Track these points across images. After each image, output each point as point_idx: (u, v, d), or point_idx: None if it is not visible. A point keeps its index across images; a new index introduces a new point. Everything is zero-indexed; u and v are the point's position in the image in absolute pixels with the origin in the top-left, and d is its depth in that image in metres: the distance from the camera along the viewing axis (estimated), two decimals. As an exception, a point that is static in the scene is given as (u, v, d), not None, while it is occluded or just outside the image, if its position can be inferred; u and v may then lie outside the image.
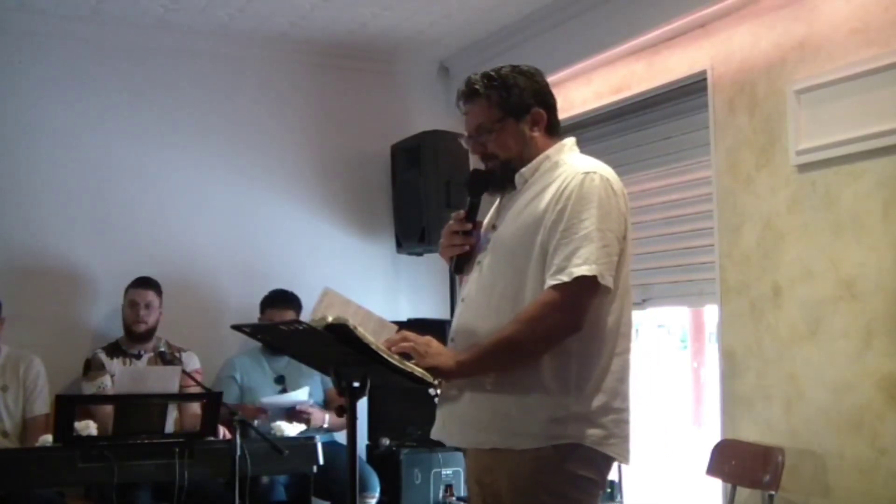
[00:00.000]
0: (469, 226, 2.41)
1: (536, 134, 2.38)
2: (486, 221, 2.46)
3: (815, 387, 3.43)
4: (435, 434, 2.43)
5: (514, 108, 2.36)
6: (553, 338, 2.19)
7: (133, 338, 4.49)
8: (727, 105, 3.84)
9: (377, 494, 4.45)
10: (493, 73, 2.38)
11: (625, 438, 2.27)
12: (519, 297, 2.24)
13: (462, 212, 2.43)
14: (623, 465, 2.33)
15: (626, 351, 2.30)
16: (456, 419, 2.34)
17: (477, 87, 2.37)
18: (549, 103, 2.42)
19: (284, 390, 4.58)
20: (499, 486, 2.24)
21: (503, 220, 2.37)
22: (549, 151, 2.37)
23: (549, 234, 2.22)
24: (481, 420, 2.27)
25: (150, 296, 4.51)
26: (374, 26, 4.93)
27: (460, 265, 2.44)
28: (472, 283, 2.38)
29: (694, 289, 4.15)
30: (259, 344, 4.67)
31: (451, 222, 2.44)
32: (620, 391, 2.27)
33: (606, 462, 2.26)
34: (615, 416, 2.24)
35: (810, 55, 3.48)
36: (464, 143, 2.45)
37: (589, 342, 2.22)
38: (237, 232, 5.09)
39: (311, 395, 4.58)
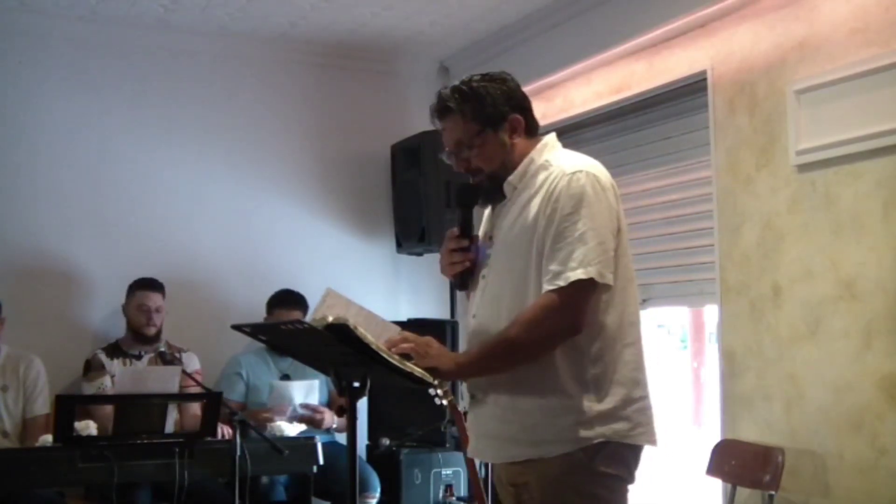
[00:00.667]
0: (466, 242, 2.39)
1: (517, 139, 2.35)
2: (481, 233, 2.44)
3: (815, 387, 3.43)
4: (470, 452, 2.46)
5: (490, 118, 2.33)
6: (551, 340, 2.19)
7: (141, 340, 4.49)
8: (727, 105, 3.84)
9: (377, 494, 4.45)
10: (463, 87, 2.35)
11: (650, 424, 2.28)
12: (525, 303, 2.23)
13: (456, 229, 2.42)
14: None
15: (637, 340, 2.30)
16: (487, 437, 2.34)
17: (449, 103, 2.35)
18: (523, 106, 2.39)
19: None
20: (531, 487, 2.24)
21: (499, 230, 2.35)
22: (533, 154, 2.35)
23: (543, 239, 2.21)
24: (510, 434, 2.27)
25: (159, 299, 4.52)
26: (374, 26, 4.93)
27: (464, 281, 2.42)
28: (479, 298, 2.36)
29: (694, 289, 4.15)
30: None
31: (447, 241, 2.42)
32: (639, 380, 2.28)
33: (634, 454, 2.26)
34: (637, 405, 2.25)
35: (810, 55, 3.48)
36: (445, 158, 2.43)
37: (599, 339, 2.22)
38: (237, 232, 5.09)
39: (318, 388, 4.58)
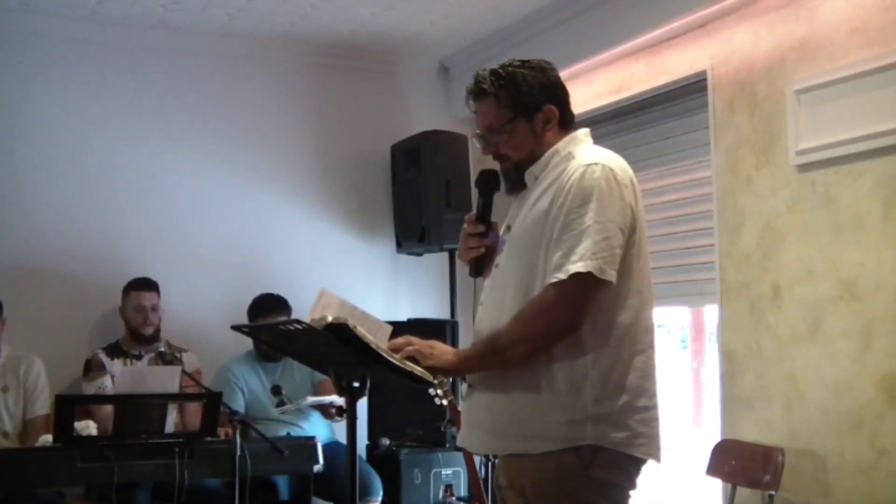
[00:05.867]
0: (482, 228, 2.37)
1: (549, 130, 2.32)
2: (504, 223, 2.41)
3: (815, 387, 3.43)
4: (459, 441, 2.43)
5: (525, 107, 2.29)
6: (550, 335, 2.15)
7: (141, 340, 4.48)
8: (727, 105, 3.84)
9: (379, 498, 4.43)
10: (501, 71, 2.31)
11: (654, 437, 2.21)
12: (529, 296, 2.19)
13: (473, 213, 2.40)
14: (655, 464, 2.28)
15: (649, 347, 2.24)
16: (477, 428, 2.31)
17: (485, 86, 2.30)
18: (560, 97, 2.35)
19: (283, 402, 4.53)
20: (525, 491, 2.21)
21: (516, 219, 2.32)
22: (559, 145, 2.31)
23: (552, 231, 2.18)
24: (499, 426, 2.24)
25: (155, 298, 4.52)
26: (374, 26, 4.93)
27: (479, 268, 2.40)
28: (489, 286, 2.34)
29: (694, 289, 4.14)
30: (251, 349, 4.65)
31: (465, 226, 2.40)
32: (646, 389, 2.20)
33: (635, 464, 2.20)
34: (641, 415, 2.18)
35: (810, 55, 3.48)
36: (475, 141, 2.41)
37: (605, 340, 2.17)
38: (237, 232, 5.09)
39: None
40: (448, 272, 5.14)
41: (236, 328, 2.31)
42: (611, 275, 2.13)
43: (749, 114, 3.74)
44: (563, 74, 4.52)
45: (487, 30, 4.99)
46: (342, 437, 4.67)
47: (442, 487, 4.61)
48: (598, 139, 4.52)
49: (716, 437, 3.84)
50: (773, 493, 3.41)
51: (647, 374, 2.22)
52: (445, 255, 5.13)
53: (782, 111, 3.56)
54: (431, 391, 3.27)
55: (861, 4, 3.30)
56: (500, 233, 2.39)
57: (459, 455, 4.44)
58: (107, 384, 4.32)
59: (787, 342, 3.55)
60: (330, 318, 2.04)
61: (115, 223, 4.83)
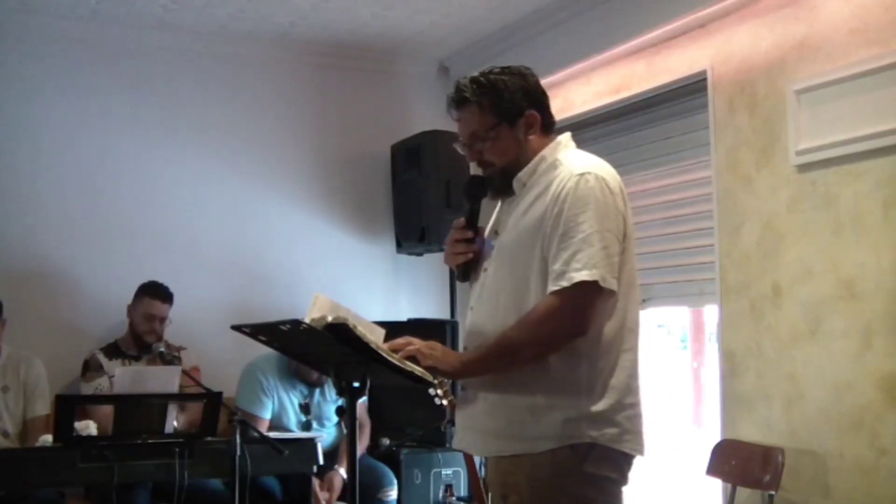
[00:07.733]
0: (470, 233, 2.39)
1: (532, 136, 2.34)
2: (489, 226, 2.43)
3: (815, 387, 3.43)
4: (456, 444, 2.45)
5: (507, 113, 2.32)
6: (555, 342, 2.18)
7: (141, 346, 4.47)
8: (727, 105, 3.84)
9: (395, 487, 4.43)
10: (482, 79, 2.33)
11: (638, 433, 2.26)
12: (523, 305, 2.22)
13: (462, 219, 2.41)
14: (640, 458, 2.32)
15: (634, 347, 2.29)
16: (474, 430, 2.33)
17: (467, 94, 2.33)
18: (542, 102, 2.38)
19: (309, 423, 4.49)
20: (521, 489, 2.23)
21: (505, 225, 2.35)
22: (545, 152, 2.34)
23: (549, 240, 2.20)
24: (497, 428, 2.26)
25: (167, 309, 4.49)
26: (374, 26, 4.94)
27: (466, 273, 2.42)
28: (478, 291, 2.36)
29: (694, 289, 4.15)
30: (281, 356, 4.56)
31: (452, 231, 2.42)
32: (632, 387, 2.26)
33: (626, 460, 2.25)
34: (628, 412, 2.23)
35: (810, 55, 3.48)
36: (459, 148, 2.43)
37: (596, 342, 2.21)
38: (237, 232, 5.09)
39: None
40: (448, 272, 5.14)
41: (236, 328, 2.32)
42: (612, 283, 2.18)
43: (749, 114, 3.74)
44: (563, 74, 4.62)
45: (487, 30, 4.99)
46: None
47: (442, 487, 4.61)
48: (598, 139, 4.52)
49: (716, 437, 3.84)
50: (773, 493, 3.41)
51: (634, 372, 2.28)
52: (445, 255, 5.12)
53: (782, 111, 3.56)
54: (431, 391, 3.27)
55: (861, 4, 3.30)
56: (486, 237, 2.41)
57: (459, 455, 4.44)
58: (104, 385, 4.32)
59: (787, 342, 3.55)
60: (330, 318, 2.05)
61: (115, 223, 4.83)
